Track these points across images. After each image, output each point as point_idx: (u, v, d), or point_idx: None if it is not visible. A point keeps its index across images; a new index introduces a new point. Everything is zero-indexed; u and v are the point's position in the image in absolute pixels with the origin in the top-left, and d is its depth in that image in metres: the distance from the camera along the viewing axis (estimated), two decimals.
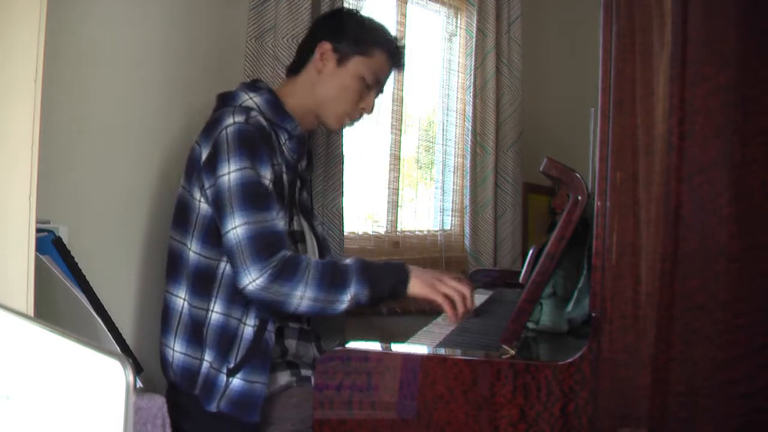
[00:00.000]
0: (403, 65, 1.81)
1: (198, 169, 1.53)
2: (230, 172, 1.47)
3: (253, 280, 1.43)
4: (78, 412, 0.61)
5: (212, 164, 1.50)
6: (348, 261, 1.51)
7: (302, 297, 1.44)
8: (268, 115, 1.59)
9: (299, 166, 1.70)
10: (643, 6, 1.11)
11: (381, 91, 1.75)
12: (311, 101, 1.68)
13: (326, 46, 1.67)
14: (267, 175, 1.51)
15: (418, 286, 1.50)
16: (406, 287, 1.50)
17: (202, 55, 1.86)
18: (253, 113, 1.55)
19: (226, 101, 1.62)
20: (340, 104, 1.69)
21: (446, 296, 1.50)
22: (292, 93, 1.69)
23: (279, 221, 1.50)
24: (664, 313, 1.09)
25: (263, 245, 1.45)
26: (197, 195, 1.54)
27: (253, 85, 1.66)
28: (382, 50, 1.70)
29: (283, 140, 1.62)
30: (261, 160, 1.50)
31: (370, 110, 1.73)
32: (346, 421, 1.17)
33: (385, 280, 1.49)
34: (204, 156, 1.52)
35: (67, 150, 1.57)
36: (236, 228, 1.45)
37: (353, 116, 1.73)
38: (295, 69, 1.73)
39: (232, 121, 1.51)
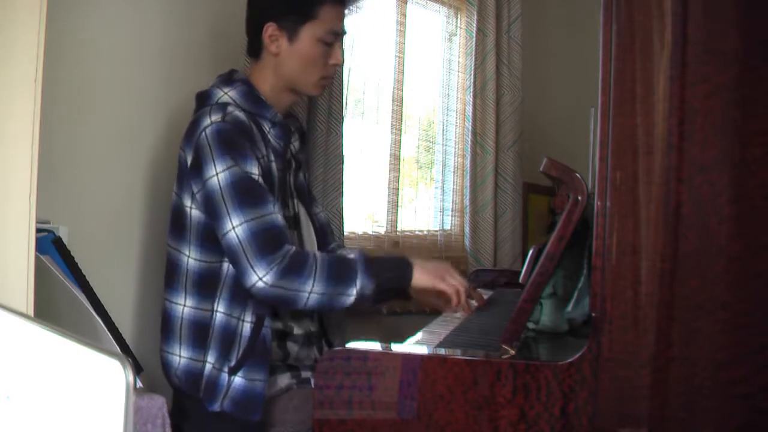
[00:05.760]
0: (352, 0, 1.71)
1: (186, 174, 1.52)
2: (217, 174, 1.46)
3: (260, 277, 1.41)
4: (78, 412, 0.61)
5: (197, 168, 1.48)
6: (352, 255, 1.51)
7: (311, 292, 1.43)
8: (245, 107, 1.57)
9: (291, 149, 1.68)
10: (643, 6, 1.11)
11: (343, 36, 1.69)
12: (281, 82, 1.65)
13: (272, 28, 1.61)
14: (254, 171, 1.48)
15: (423, 276, 1.52)
16: (410, 279, 1.51)
17: (202, 54, 1.86)
18: (230, 108, 1.53)
19: (203, 100, 1.60)
20: (311, 73, 1.64)
21: (453, 286, 1.54)
22: (263, 78, 1.64)
23: (277, 215, 1.47)
24: (664, 313, 1.09)
25: (266, 241, 1.43)
26: (188, 202, 1.53)
27: (229, 78, 1.62)
28: (325, 4, 1.61)
29: (267, 128, 1.60)
30: (245, 156, 1.48)
31: (342, 61, 1.69)
32: (346, 421, 1.17)
33: (389, 272, 1.49)
34: (189, 161, 1.51)
35: (67, 150, 1.57)
36: (235, 228, 1.43)
37: (328, 75, 1.69)
38: (252, 53, 1.68)
39: (210, 122, 1.49)
